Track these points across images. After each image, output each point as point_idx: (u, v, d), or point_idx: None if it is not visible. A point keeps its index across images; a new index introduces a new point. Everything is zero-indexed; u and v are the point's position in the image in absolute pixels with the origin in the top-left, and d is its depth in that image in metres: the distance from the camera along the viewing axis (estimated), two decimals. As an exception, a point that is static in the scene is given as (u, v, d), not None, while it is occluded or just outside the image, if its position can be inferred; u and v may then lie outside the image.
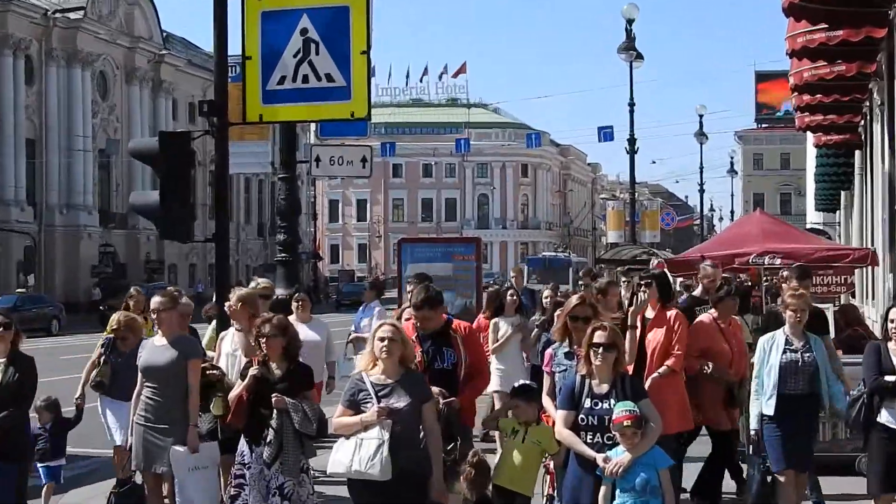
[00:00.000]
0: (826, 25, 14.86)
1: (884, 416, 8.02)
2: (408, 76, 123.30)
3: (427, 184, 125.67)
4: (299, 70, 11.90)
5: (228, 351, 10.33)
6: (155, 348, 9.40)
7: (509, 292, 14.93)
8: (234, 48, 12.28)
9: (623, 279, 17.51)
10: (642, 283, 11.12)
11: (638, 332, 9.87)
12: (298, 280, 14.94)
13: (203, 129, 12.75)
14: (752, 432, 9.09)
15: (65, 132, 68.06)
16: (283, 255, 13.10)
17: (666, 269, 18.78)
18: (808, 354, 8.82)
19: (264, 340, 8.60)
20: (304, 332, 10.85)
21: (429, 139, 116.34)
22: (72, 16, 67.73)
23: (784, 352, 8.80)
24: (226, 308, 10.77)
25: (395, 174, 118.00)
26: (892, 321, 8.36)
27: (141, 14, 75.28)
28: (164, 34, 77.54)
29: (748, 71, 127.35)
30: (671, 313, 10.66)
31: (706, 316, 11.38)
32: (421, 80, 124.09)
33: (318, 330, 12.55)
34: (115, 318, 11.80)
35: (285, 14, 12.00)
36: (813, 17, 14.26)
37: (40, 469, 11.17)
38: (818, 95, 20.40)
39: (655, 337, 10.27)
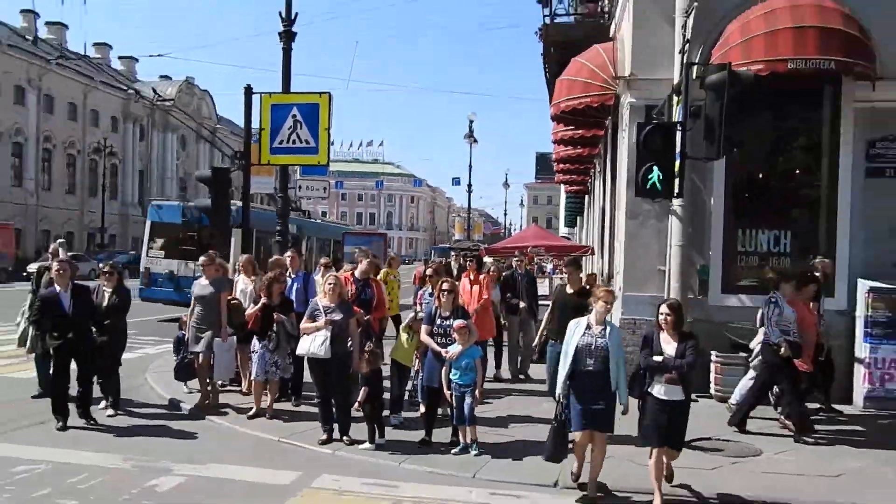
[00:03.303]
0: (573, 127, 15.19)
1: (654, 389, 6.25)
2: (351, 145, 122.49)
3: (360, 205, 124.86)
4: (291, 136, 11.90)
5: (242, 289, 10.05)
6: (202, 285, 9.38)
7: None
8: (255, 123, 12.33)
9: (468, 257, 17.03)
10: (469, 259, 11.92)
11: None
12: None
13: (237, 167, 12.72)
14: (558, 395, 6.46)
15: (159, 168, 66.94)
16: (280, 238, 12.87)
17: (484, 253, 19.29)
18: (601, 339, 6.32)
19: (277, 286, 9.12)
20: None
21: (361, 179, 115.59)
22: (167, 104, 66.28)
23: (583, 335, 6.37)
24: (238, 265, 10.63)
25: (342, 199, 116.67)
26: (662, 313, 6.41)
27: (206, 104, 73.61)
28: (218, 116, 75.85)
29: (533, 150, 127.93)
30: (483, 277, 10.82)
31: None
32: (358, 148, 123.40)
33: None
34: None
35: (284, 106, 11.92)
36: (565, 122, 14.44)
37: None
38: (567, 165, 20.88)
39: (474, 289, 10.52)
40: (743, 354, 9.98)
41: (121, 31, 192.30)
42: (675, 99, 9.13)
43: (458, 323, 7.65)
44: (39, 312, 8.39)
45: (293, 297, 9.65)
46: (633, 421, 6.43)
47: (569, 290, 8.07)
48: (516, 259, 13.04)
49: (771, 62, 9.34)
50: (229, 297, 9.68)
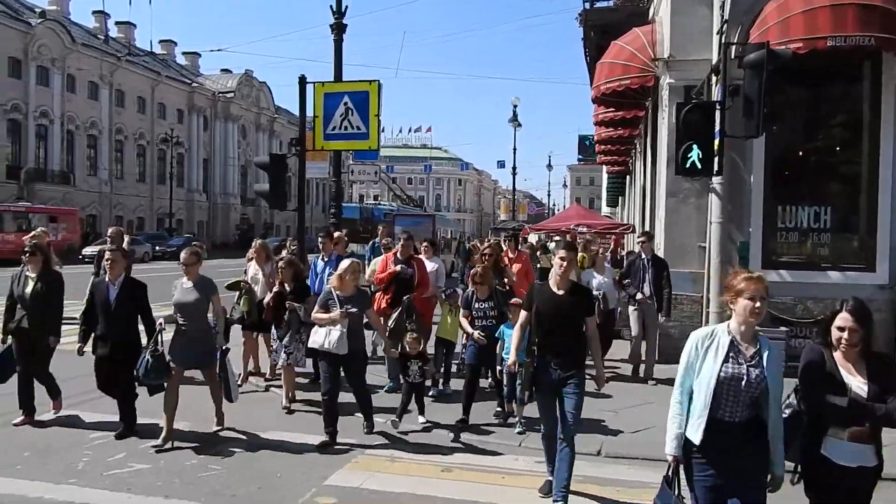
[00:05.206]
0: (613, 108, 14.86)
1: (829, 448, 3.68)
2: (401, 130, 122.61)
3: (409, 188, 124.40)
4: (343, 123, 11.86)
5: (252, 275, 9.54)
6: (184, 289, 6.97)
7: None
8: (309, 112, 12.19)
9: (505, 237, 16.54)
10: (508, 238, 11.70)
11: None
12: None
13: (293, 153, 12.67)
14: (671, 458, 3.80)
15: (222, 156, 67.93)
16: (334, 220, 12.90)
17: (528, 231, 19.24)
18: (756, 370, 3.62)
19: (287, 271, 8.38)
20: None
21: (410, 164, 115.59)
22: (228, 95, 67.73)
23: (727, 360, 3.66)
24: (251, 251, 9.97)
25: (393, 182, 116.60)
26: (841, 327, 3.70)
27: (264, 95, 74.62)
28: (276, 106, 76.75)
29: (575, 132, 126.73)
30: (524, 255, 10.84)
31: None
32: (408, 133, 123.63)
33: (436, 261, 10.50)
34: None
35: (336, 94, 11.86)
36: (606, 104, 14.18)
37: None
38: (608, 146, 20.55)
39: (515, 267, 10.24)
40: (784, 328, 9.80)
41: (185, 27, 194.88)
42: (714, 79, 8.94)
43: (515, 300, 7.55)
44: (88, 303, 7.08)
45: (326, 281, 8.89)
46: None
47: (555, 287, 5.38)
48: (640, 240, 10.52)
49: (810, 40, 9.03)
50: (241, 280, 9.27)
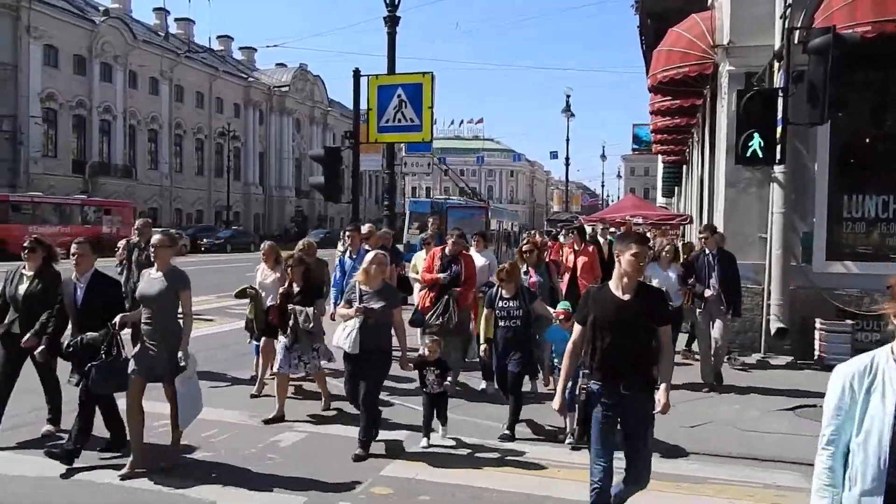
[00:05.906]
0: (670, 97, 14.61)
1: None
2: (452, 122, 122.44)
3: (462, 179, 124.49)
4: (396, 116, 11.93)
5: (260, 281, 8.56)
6: (151, 279, 5.82)
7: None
8: (363, 105, 12.39)
9: (568, 229, 15.79)
10: (571, 231, 11.31)
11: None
12: (395, 227, 14.82)
13: (347, 146, 12.86)
14: None
15: (277, 149, 69.15)
16: (387, 212, 13.16)
17: (581, 221, 19.12)
18: None
19: (296, 269, 7.35)
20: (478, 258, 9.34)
21: (462, 156, 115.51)
22: (283, 89, 68.87)
23: None
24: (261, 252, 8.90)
25: (445, 174, 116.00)
26: None
27: (318, 88, 75.51)
28: (329, 100, 77.55)
29: (629, 121, 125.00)
30: (591, 248, 10.54)
31: None
32: (459, 125, 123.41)
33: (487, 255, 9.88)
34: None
35: (390, 86, 11.96)
36: (663, 92, 13.96)
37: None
38: (664, 135, 20.25)
39: (581, 260, 10.10)
40: (849, 322, 9.53)
41: (241, 23, 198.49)
42: (776, 65, 8.76)
43: (560, 310, 6.99)
44: (60, 303, 6.06)
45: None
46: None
47: (619, 291, 4.22)
48: (702, 236, 9.33)
49: (879, 23, 8.67)
50: (247, 287, 8.37)
